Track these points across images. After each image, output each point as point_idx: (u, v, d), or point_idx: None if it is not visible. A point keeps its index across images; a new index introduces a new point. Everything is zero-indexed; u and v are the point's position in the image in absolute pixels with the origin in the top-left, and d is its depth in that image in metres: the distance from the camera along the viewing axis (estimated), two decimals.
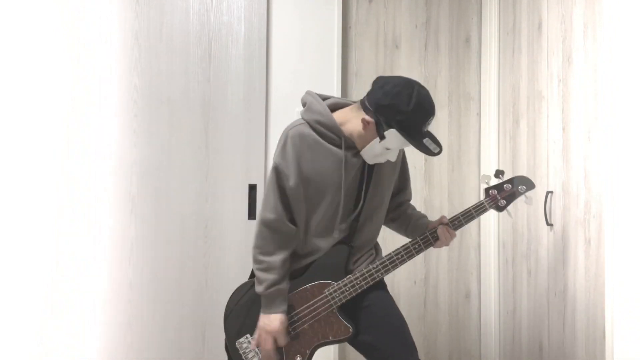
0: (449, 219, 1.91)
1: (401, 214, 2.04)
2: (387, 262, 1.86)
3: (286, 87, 2.70)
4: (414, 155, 2.92)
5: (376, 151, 1.81)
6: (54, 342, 2.45)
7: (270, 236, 1.82)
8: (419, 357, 1.82)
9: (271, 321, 1.81)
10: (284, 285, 1.84)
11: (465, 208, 1.95)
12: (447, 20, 2.99)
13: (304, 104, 1.90)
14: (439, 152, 1.78)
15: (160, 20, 2.61)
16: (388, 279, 1.97)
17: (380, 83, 1.79)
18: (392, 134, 1.75)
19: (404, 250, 1.87)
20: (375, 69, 2.89)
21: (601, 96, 1.96)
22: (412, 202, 2.09)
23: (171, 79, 2.60)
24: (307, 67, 2.74)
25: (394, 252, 1.88)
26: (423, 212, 2.11)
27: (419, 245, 1.89)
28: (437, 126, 2.96)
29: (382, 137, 1.77)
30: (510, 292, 2.73)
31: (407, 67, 2.93)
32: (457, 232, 1.93)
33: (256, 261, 1.84)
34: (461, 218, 1.91)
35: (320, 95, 1.89)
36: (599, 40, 1.98)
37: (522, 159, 2.60)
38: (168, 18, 2.62)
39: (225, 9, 2.67)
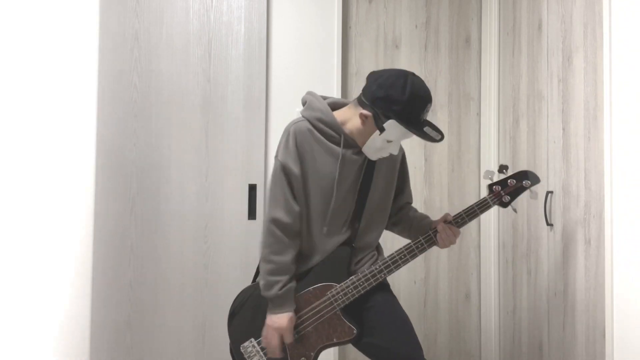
0: (452, 217, 1.88)
1: (403, 217, 2.03)
2: (390, 262, 1.84)
3: (286, 87, 2.70)
4: (414, 156, 2.92)
5: (377, 145, 1.81)
6: (53, 342, 2.45)
7: (281, 235, 1.81)
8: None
9: (279, 318, 1.80)
10: (294, 284, 1.83)
11: (468, 206, 1.92)
12: (447, 20, 3.00)
13: (304, 103, 1.92)
14: (441, 139, 1.79)
15: (160, 20, 2.61)
16: (388, 278, 1.97)
17: (374, 77, 1.80)
18: (391, 125, 1.76)
19: (406, 250, 1.85)
20: (376, 69, 2.88)
21: (601, 96, 1.96)
22: (412, 202, 2.08)
23: (171, 79, 2.60)
24: (307, 67, 2.74)
25: (396, 252, 1.86)
26: (423, 212, 2.10)
27: (422, 244, 1.86)
28: (437, 126, 2.96)
29: (381, 130, 1.77)
30: (510, 292, 2.73)
31: (407, 67, 2.93)
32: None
33: (267, 261, 1.81)
34: (464, 216, 1.88)
35: (320, 96, 1.91)
36: (599, 40, 1.98)
37: (522, 159, 2.60)
38: (168, 18, 2.62)
39: (225, 9, 2.67)
